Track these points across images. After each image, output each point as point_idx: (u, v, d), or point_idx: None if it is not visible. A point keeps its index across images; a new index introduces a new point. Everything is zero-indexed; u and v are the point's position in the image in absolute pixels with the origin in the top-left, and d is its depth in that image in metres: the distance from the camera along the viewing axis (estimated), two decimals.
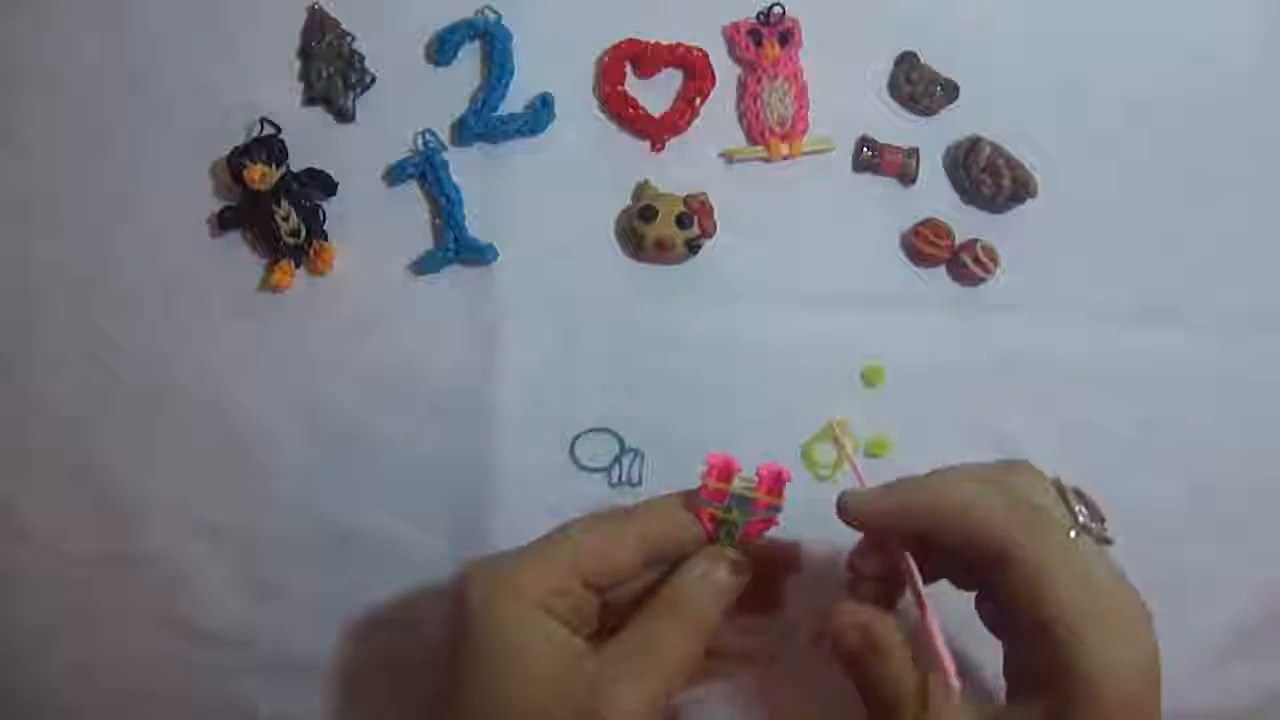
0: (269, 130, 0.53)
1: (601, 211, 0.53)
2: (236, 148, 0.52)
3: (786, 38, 0.54)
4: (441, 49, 0.54)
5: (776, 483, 0.41)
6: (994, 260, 0.52)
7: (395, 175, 0.53)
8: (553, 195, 0.53)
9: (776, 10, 0.54)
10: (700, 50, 0.54)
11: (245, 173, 0.52)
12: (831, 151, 0.54)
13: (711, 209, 0.52)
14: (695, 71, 0.54)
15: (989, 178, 0.53)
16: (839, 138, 0.54)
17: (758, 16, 0.54)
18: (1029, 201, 0.53)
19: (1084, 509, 0.39)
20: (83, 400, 0.52)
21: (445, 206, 0.53)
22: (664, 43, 0.54)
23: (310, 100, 0.54)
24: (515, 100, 0.53)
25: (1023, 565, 0.36)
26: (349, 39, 0.54)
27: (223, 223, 0.53)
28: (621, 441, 0.52)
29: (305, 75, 0.54)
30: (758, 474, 0.41)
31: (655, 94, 0.54)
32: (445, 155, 0.53)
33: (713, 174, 0.54)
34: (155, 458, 0.52)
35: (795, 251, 0.53)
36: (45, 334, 0.53)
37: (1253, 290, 0.54)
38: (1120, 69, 0.55)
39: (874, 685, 0.38)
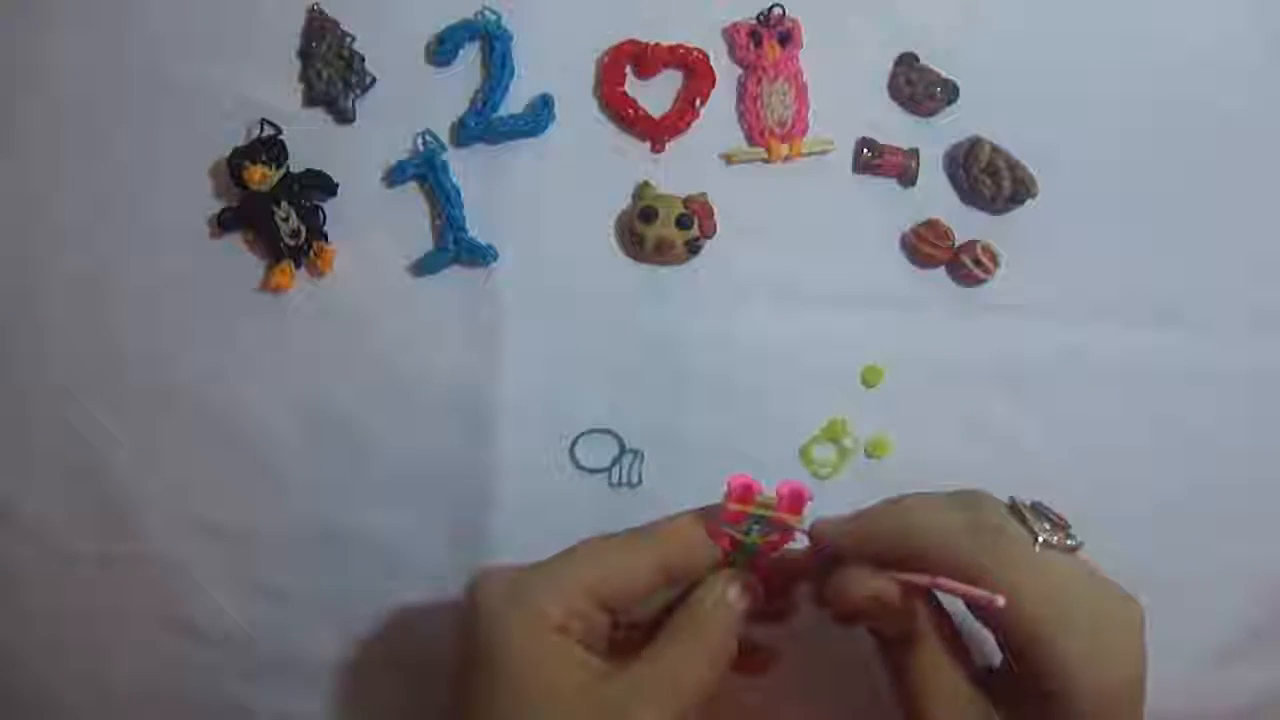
0: (269, 130, 0.53)
1: (601, 212, 0.53)
2: (236, 148, 0.52)
3: (786, 38, 0.54)
4: (441, 49, 0.54)
5: (797, 502, 0.40)
6: (994, 260, 0.52)
7: (395, 175, 0.53)
8: (553, 195, 0.53)
9: (776, 11, 0.54)
10: (700, 51, 0.54)
11: (245, 173, 0.52)
12: (831, 152, 0.54)
13: (711, 209, 0.52)
14: (695, 72, 0.54)
15: (989, 178, 0.53)
16: (839, 138, 0.54)
17: (758, 17, 0.54)
18: (1029, 201, 0.53)
19: (1044, 523, 0.38)
20: (83, 400, 0.52)
21: (445, 207, 0.53)
22: (664, 44, 0.54)
23: (310, 101, 0.54)
24: (515, 100, 0.54)
25: (993, 588, 0.36)
26: (349, 39, 0.54)
27: (223, 223, 0.53)
28: (621, 442, 0.52)
29: (305, 75, 0.54)
30: (777, 493, 0.40)
31: (655, 95, 0.54)
32: (445, 155, 0.53)
33: (713, 174, 0.54)
34: (155, 458, 0.52)
35: (795, 252, 0.53)
36: (45, 334, 0.53)
37: (1253, 290, 0.54)
38: (1120, 69, 0.55)
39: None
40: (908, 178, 0.54)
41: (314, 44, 0.54)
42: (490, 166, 0.54)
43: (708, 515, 0.41)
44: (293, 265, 0.53)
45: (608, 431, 0.52)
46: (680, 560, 0.40)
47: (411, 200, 0.54)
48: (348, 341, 0.53)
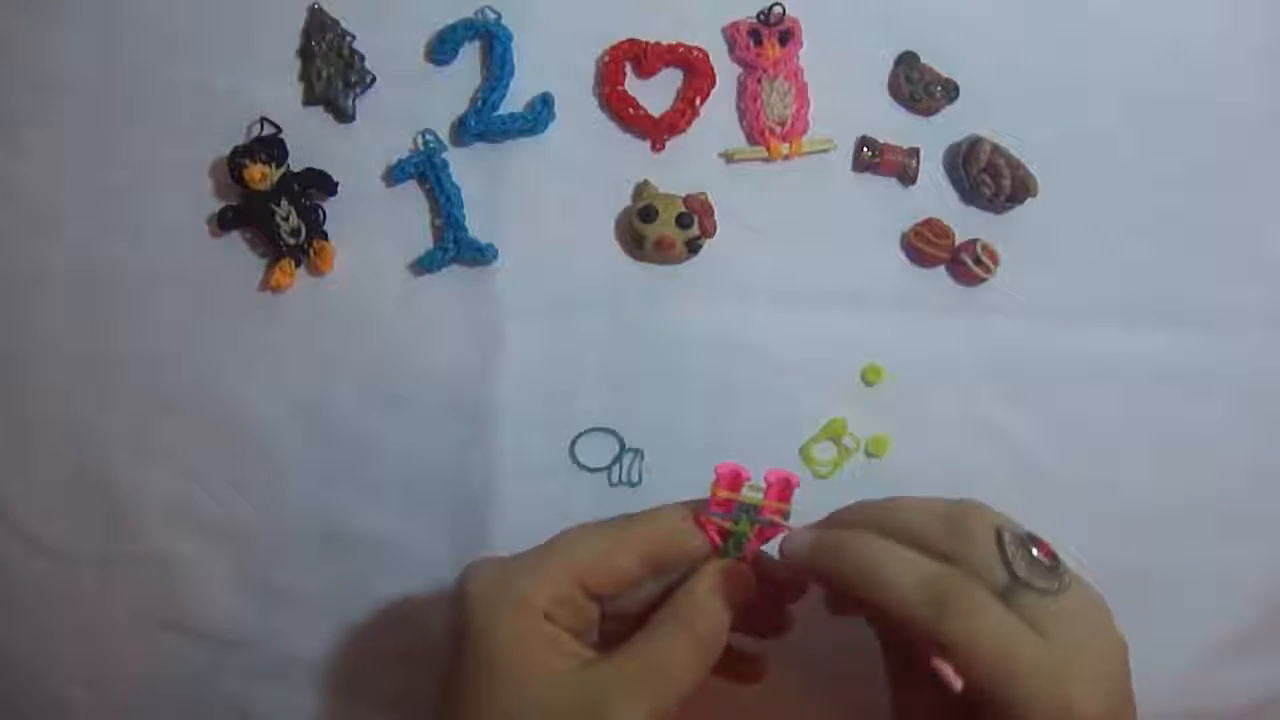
0: (269, 130, 0.53)
1: (601, 211, 0.53)
2: (236, 148, 0.52)
3: (787, 37, 0.54)
4: (441, 49, 0.54)
5: (785, 489, 0.40)
6: (994, 260, 0.52)
7: (395, 175, 0.53)
8: (553, 195, 0.53)
9: (777, 10, 0.54)
10: (700, 50, 0.54)
11: (245, 173, 0.52)
12: (831, 151, 0.54)
13: (712, 209, 0.52)
14: (695, 71, 0.54)
15: (989, 178, 0.53)
16: (839, 138, 0.54)
17: (758, 16, 0.54)
18: (1029, 201, 0.53)
19: (1023, 559, 0.35)
20: (83, 400, 0.52)
21: (445, 206, 0.53)
22: (664, 43, 0.54)
23: (310, 100, 0.54)
24: (515, 100, 0.53)
25: (945, 647, 0.34)
26: (349, 39, 0.54)
27: (223, 223, 0.53)
28: (621, 441, 0.52)
29: (305, 75, 0.54)
30: (765, 480, 0.40)
31: (655, 94, 0.54)
32: (445, 155, 0.53)
33: (713, 174, 0.54)
34: (155, 458, 0.52)
35: (795, 251, 0.53)
36: (45, 334, 0.53)
37: (1253, 290, 0.54)
38: (1120, 69, 0.55)
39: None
40: (908, 177, 0.54)
41: (314, 43, 0.54)
42: (490, 165, 0.53)
43: (696, 504, 0.40)
44: (293, 264, 0.53)
45: (608, 431, 0.52)
46: (665, 548, 0.40)
47: (411, 199, 0.54)
48: (348, 340, 0.53)
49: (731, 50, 0.55)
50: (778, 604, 0.43)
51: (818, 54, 0.54)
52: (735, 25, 0.54)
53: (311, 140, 0.53)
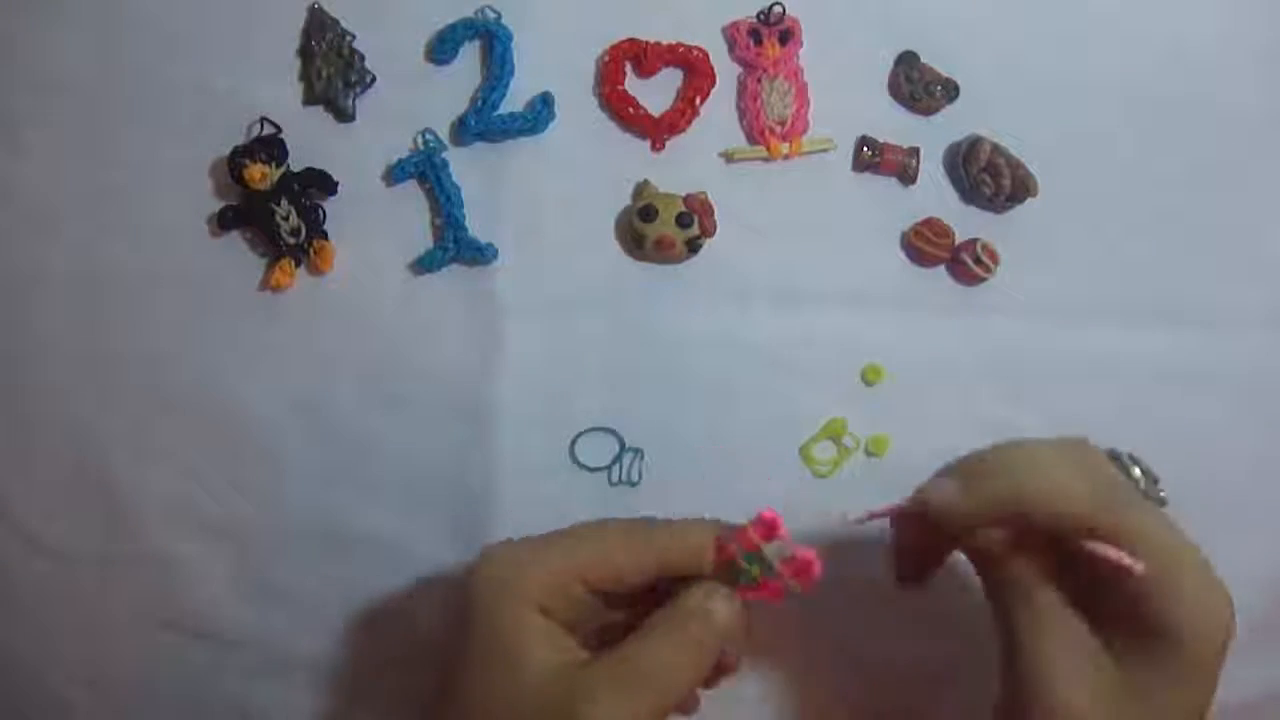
0: (269, 130, 0.53)
1: (601, 211, 0.53)
2: (236, 148, 0.52)
3: (787, 37, 0.54)
4: (441, 48, 0.54)
5: (805, 572, 0.39)
6: (994, 260, 0.52)
7: (395, 175, 0.53)
8: (553, 195, 0.53)
9: (777, 10, 0.54)
10: (700, 50, 0.54)
11: (245, 173, 0.52)
12: (831, 151, 0.54)
13: (712, 208, 0.52)
14: (695, 71, 0.54)
15: (989, 178, 0.53)
16: (839, 138, 0.54)
17: (758, 16, 0.54)
18: (1029, 201, 0.53)
19: (1141, 474, 0.40)
20: (83, 400, 0.52)
21: (445, 206, 0.53)
22: (664, 42, 0.54)
23: (310, 99, 0.54)
24: (515, 100, 0.53)
25: (1112, 539, 0.37)
26: (349, 38, 0.54)
27: (223, 223, 0.53)
28: (621, 441, 0.52)
29: (305, 75, 0.54)
30: (794, 555, 0.39)
31: (655, 94, 0.54)
32: (445, 155, 0.53)
33: (713, 173, 0.54)
34: (155, 458, 0.52)
35: (795, 251, 0.53)
36: (45, 334, 0.53)
37: (1253, 289, 0.54)
38: (1119, 69, 0.55)
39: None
40: (908, 177, 0.54)
41: (314, 43, 0.54)
42: (490, 165, 0.53)
43: (721, 528, 0.40)
44: (293, 264, 0.53)
45: (608, 431, 0.52)
46: (678, 563, 0.40)
47: (411, 199, 0.53)
48: (348, 340, 0.53)
49: (731, 50, 0.55)
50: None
51: (818, 54, 0.54)
52: (735, 25, 0.54)
53: (311, 140, 0.53)
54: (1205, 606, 0.37)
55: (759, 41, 0.54)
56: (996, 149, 0.53)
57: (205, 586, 0.52)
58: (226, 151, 0.52)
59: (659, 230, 0.52)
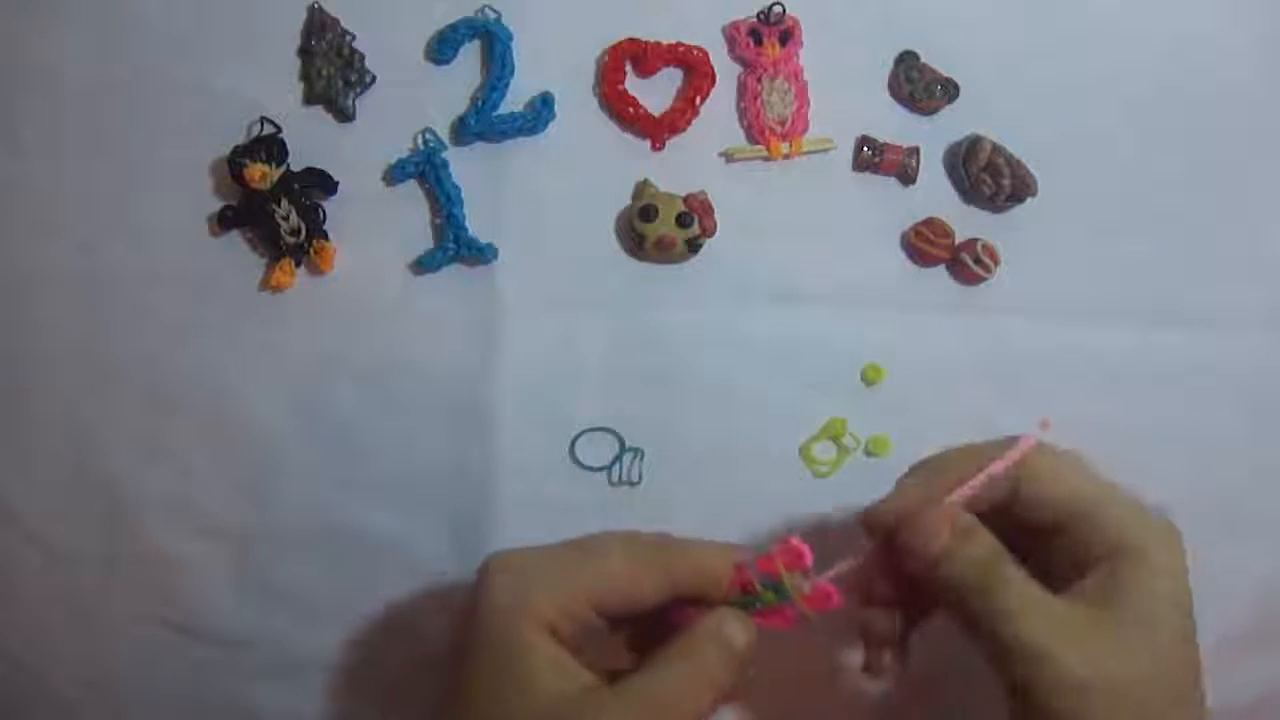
0: (269, 130, 0.53)
1: (602, 210, 0.53)
2: (236, 148, 0.52)
3: (787, 37, 0.54)
4: (441, 48, 0.53)
5: (823, 603, 0.39)
6: (994, 259, 0.52)
7: (395, 175, 0.53)
8: (553, 195, 0.53)
9: (777, 9, 0.54)
10: (700, 49, 0.54)
11: (245, 172, 0.52)
12: (832, 150, 0.54)
13: (712, 208, 0.52)
14: (695, 71, 0.54)
15: (989, 177, 0.53)
16: (839, 137, 0.54)
17: (758, 15, 0.54)
18: (1029, 201, 0.53)
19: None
20: (83, 400, 0.52)
21: (445, 206, 0.53)
22: (664, 42, 0.54)
23: (310, 99, 0.54)
24: (515, 100, 0.53)
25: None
26: (349, 38, 0.54)
27: (223, 222, 0.52)
28: (621, 441, 0.52)
29: (305, 75, 0.54)
30: (814, 586, 0.39)
31: (655, 93, 0.54)
32: (445, 154, 0.53)
33: (713, 173, 0.54)
34: (155, 458, 0.52)
35: (795, 251, 0.53)
36: (45, 334, 0.53)
37: (1253, 289, 0.54)
38: (1119, 69, 0.55)
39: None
40: (908, 176, 0.54)
41: (314, 42, 0.54)
42: (490, 165, 0.53)
43: (742, 552, 0.40)
44: (293, 263, 0.53)
45: (608, 431, 0.52)
46: (692, 588, 0.40)
47: (411, 199, 0.53)
48: (348, 340, 0.53)
49: (731, 50, 0.55)
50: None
51: (818, 54, 0.54)
52: (735, 25, 0.54)
53: (311, 140, 0.53)
54: (1133, 509, 0.40)
55: (759, 41, 0.54)
56: (996, 149, 0.53)
57: (205, 586, 0.52)
58: (226, 151, 0.52)
59: (659, 230, 0.52)
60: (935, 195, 0.54)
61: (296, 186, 0.53)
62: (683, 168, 0.53)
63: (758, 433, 0.52)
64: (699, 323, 0.53)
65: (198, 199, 0.53)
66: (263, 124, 0.53)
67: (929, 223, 0.53)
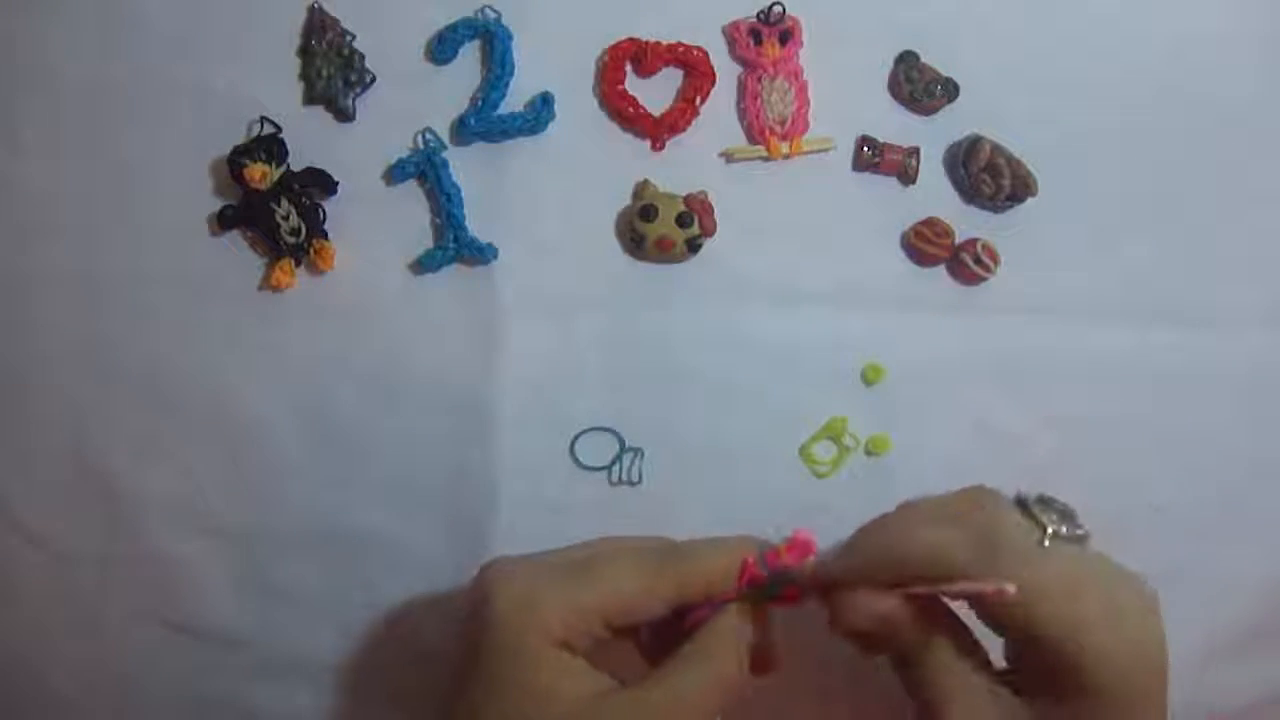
0: (269, 130, 0.53)
1: (601, 211, 0.53)
2: (236, 147, 0.52)
3: (787, 37, 0.54)
4: (441, 48, 0.53)
5: (804, 552, 0.40)
6: (994, 259, 0.52)
7: (395, 174, 0.53)
8: (553, 195, 0.53)
9: (777, 9, 0.54)
10: (700, 49, 0.54)
11: (245, 172, 0.52)
12: (831, 150, 0.54)
13: (712, 208, 0.52)
14: (695, 71, 0.54)
15: (989, 177, 0.53)
16: (839, 137, 0.54)
17: (758, 15, 0.54)
18: (1029, 201, 0.53)
19: (1051, 515, 0.38)
20: (83, 400, 0.52)
21: (445, 206, 0.53)
22: (664, 42, 0.54)
23: (310, 99, 0.54)
24: (515, 100, 0.53)
25: (1006, 599, 0.35)
26: (349, 38, 0.54)
27: (223, 222, 0.52)
28: (621, 440, 0.52)
29: (305, 75, 0.54)
30: (794, 537, 0.40)
31: (655, 93, 0.54)
32: (445, 154, 0.53)
33: (713, 173, 0.54)
34: (155, 458, 0.52)
35: (795, 251, 0.53)
36: (45, 334, 0.53)
37: (1253, 289, 0.54)
38: (1120, 69, 0.55)
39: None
40: (908, 176, 0.54)
41: (314, 42, 0.54)
42: (490, 165, 0.53)
43: (749, 545, 0.40)
44: (293, 263, 0.53)
45: (608, 430, 0.53)
46: (700, 592, 0.40)
47: (411, 198, 0.53)
48: (348, 340, 0.53)
49: (731, 49, 0.55)
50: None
51: (818, 53, 0.54)
52: (735, 24, 0.54)
53: (311, 140, 0.53)
54: (1112, 655, 0.35)
55: (759, 41, 0.54)
56: (996, 149, 0.53)
57: (205, 586, 0.52)
58: (226, 151, 0.52)
59: (659, 230, 0.52)
60: (935, 195, 0.54)
61: (296, 186, 0.53)
62: (683, 168, 0.53)
63: (758, 432, 0.52)
64: (699, 323, 0.53)
65: (198, 199, 0.53)
66: (263, 124, 0.53)
67: (929, 223, 0.53)
